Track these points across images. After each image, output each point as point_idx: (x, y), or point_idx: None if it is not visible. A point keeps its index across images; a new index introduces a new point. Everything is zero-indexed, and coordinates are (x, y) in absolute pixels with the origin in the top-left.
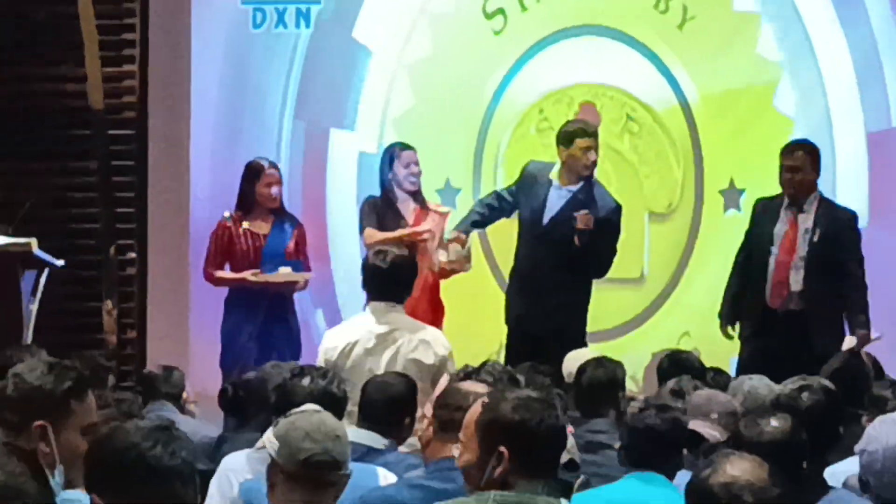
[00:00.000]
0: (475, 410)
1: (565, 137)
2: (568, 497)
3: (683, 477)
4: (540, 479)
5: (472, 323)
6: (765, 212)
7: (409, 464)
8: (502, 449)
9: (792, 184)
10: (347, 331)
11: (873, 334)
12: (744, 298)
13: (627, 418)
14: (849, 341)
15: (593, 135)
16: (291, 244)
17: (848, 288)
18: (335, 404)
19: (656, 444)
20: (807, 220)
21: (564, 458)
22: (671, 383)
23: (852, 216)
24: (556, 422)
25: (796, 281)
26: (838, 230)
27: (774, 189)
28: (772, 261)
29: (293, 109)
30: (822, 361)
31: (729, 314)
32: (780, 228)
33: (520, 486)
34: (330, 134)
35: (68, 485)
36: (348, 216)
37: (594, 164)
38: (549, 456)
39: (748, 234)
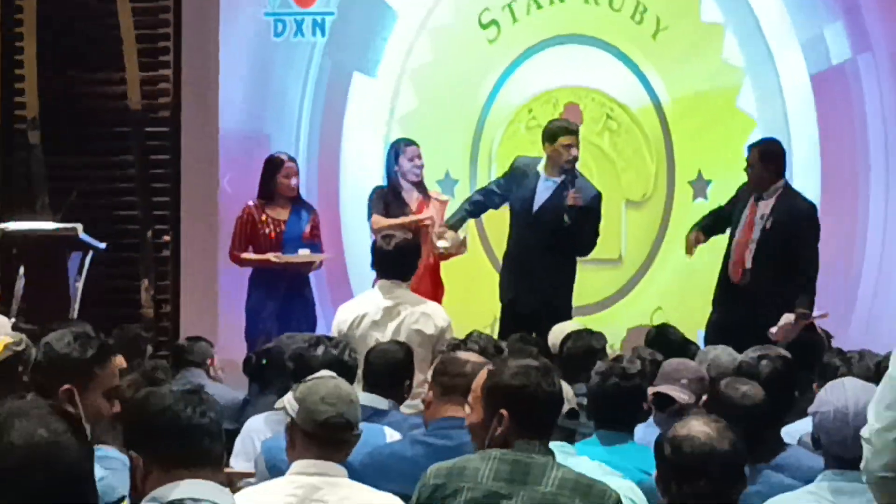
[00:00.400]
0: (482, 377)
1: (549, 135)
2: (571, 441)
3: (642, 431)
4: (536, 440)
5: (469, 299)
6: (740, 197)
7: (412, 423)
8: (503, 411)
9: (748, 177)
10: (358, 305)
11: (816, 312)
12: (709, 232)
13: (591, 385)
14: (785, 318)
15: (574, 132)
16: (308, 229)
17: (796, 272)
18: (347, 371)
19: (617, 406)
20: (765, 208)
21: (566, 408)
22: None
23: (811, 207)
24: (553, 388)
25: (747, 261)
26: (794, 220)
27: (739, 179)
28: (734, 241)
29: (310, 109)
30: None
31: (699, 236)
32: (744, 214)
33: (518, 446)
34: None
35: (94, 442)
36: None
37: (575, 158)
38: (546, 418)
39: (726, 204)
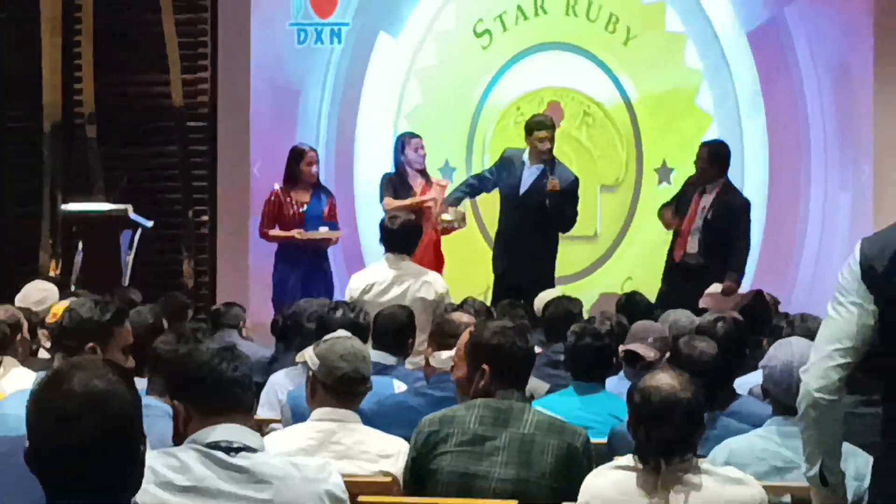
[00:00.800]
0: (464, 337)
1: (527, 129)
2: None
3: (614, 383)
4: (513, 389)
5: (466, 270)
6: (690, 185)
7: (415, 377)
8: (484, 366)
9: (696, 169)
10: (368, 274)
11: (743, 289)
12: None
13: (568, 343)
14: (713, 288)
15: (550, 127)
16: (326, 210)
17: (730, 254)
18: (361, 332)
19: (590, 361)
20: (707, 200)
21: None
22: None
23: (745, 203)
24: (526, 345)
25: (692, 244)
26: (730, 213)
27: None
28: (681, 227)
29: (328, 106)
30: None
31: (662, 214)
32: (690, 204)
33: (498, 395)
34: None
35: None
36: (372, 188)
37: (548, 150)
38: (521, 371)
39: (678, 194)
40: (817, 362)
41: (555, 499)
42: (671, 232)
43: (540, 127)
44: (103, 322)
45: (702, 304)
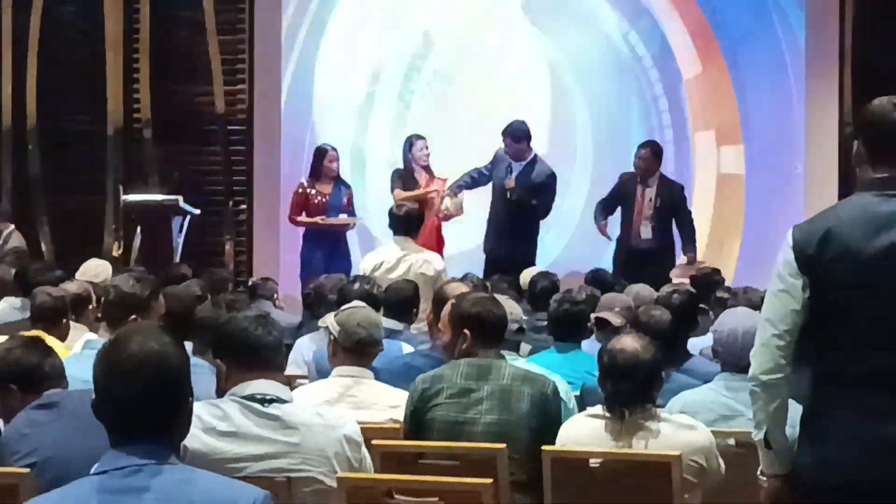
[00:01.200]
0: (447, 308)
1: (501, 134)
2: (517, 350)
3: (588, 344)
4: (491, 349)
5: (461, 250)
6: (626, 182)
7: (420, 340)
8: (465, 331)
9: (639, 169)
10: (378, 254)
11: (698, 260)
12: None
13: (549, 310)
14: (682, 260)
15: (523, 136)
16: (345, 200)
17: (682, 232)
18: (374, 302)
19: (568, 324)
20: (651, 192)
21: (514, 326)
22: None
23: (682, 187)
24: (500, 311)
25: (645, 232)
26: (673, 197)
27: None
28: (630, 219)
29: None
30: (663, 278)
31: (598, 217)
32: (635, 196)
33: (479, 355)
34: None
35: None
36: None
37: (519, 148)
38: (496, 334)
39: (613, 191)
40: (761, 349)
41: (533, 437)
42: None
43: (514, 135)
44: (143, 297)
45: (673, 275)
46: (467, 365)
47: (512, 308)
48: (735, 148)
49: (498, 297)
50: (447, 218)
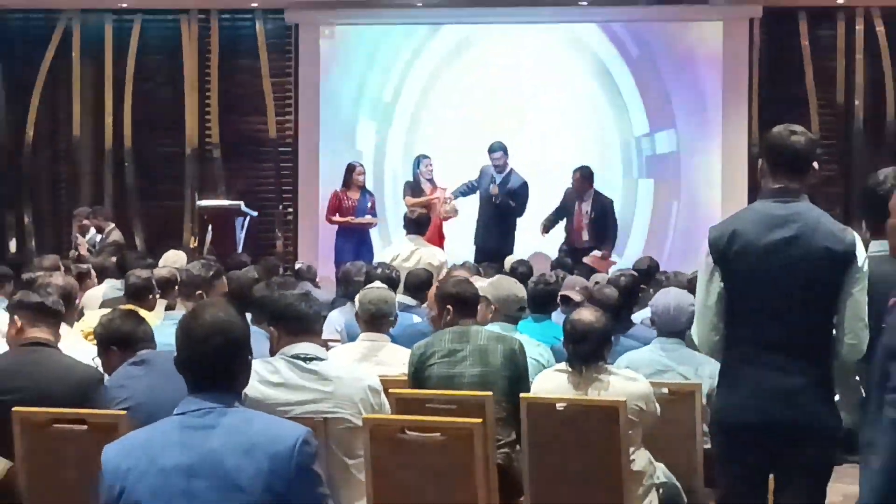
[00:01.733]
0: (432, 290)
1: (487, 150)
2: (515, 324)
3: (556, 315)
4: (469, 319)
5: (458, 243)
6: (569, 197)
7: (429, 314)
8: (448, 306)
9: (574, 189)
10: (394, 248)
11: (612, 258)
12: (553, 225)
13: (528, 288)
14: (593, 254)
15: (500, 149)
16: (369, 204)
17: (605, 233)
18: (392, 283)
19: (542, 300)
20: (587, 206)
21: (517, 306)
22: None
23: (611, 201)
24: (473, 290)
25: (585, 236)
26: (604, 210)
27: None
28: (573, 226)
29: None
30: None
31: (546, 227)
32: (575, 210)
33: (461, 324)
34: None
35: None
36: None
37: (502, 164)
38: (472, 308)
39: (559, 206)
40: (698, 330)
41: (507, 384)
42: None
43: (495, 149)
44: (207, 277)
45: (587, 261)
46: (451, 332)
47: (519, 291)
48: (675, 161)
49: (509, 279)
50: (446, 218)
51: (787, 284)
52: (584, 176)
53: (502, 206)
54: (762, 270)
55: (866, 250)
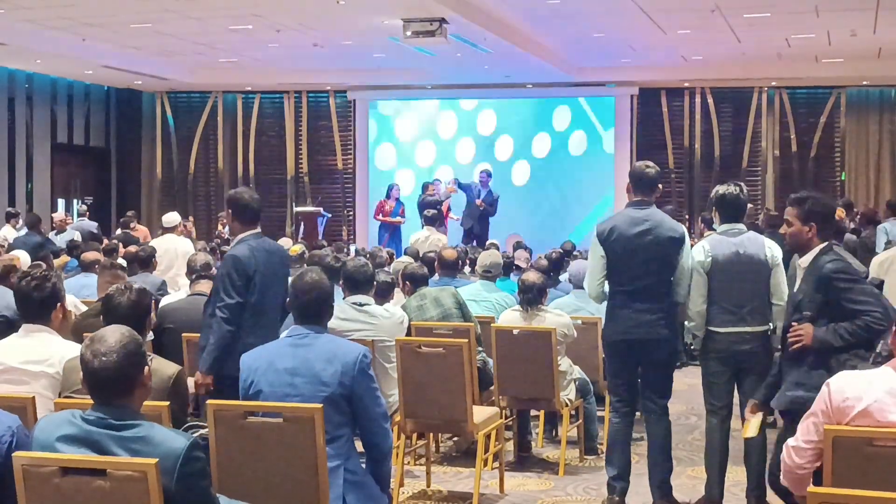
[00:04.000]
0: (401, 272)
1: (480, 171)
2: (493, 281)
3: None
4: (422, 286)
5: (454, 228)
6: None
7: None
8: (408, 283)
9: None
10: (418, 234)
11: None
12: None
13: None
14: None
15: (486, 174)
16: (401, 210)
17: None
18: (417, 257)
19: (507, 268)
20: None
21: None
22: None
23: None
24: (423, 272)
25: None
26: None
27: None
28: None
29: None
30: None
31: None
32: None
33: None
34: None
35: None
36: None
37: (485, 181)
38: (424, 280)
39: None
40: (590, 284)
41: (459, 317)
42: None
43: (482, 174)
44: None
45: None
46: (417, 295)
47: (498, 259)
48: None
49: (494, 252)
50: (450, 192)
51: (644, 258)
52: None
53: (484, 210)
54: (629, 249)
55: (715, 232)
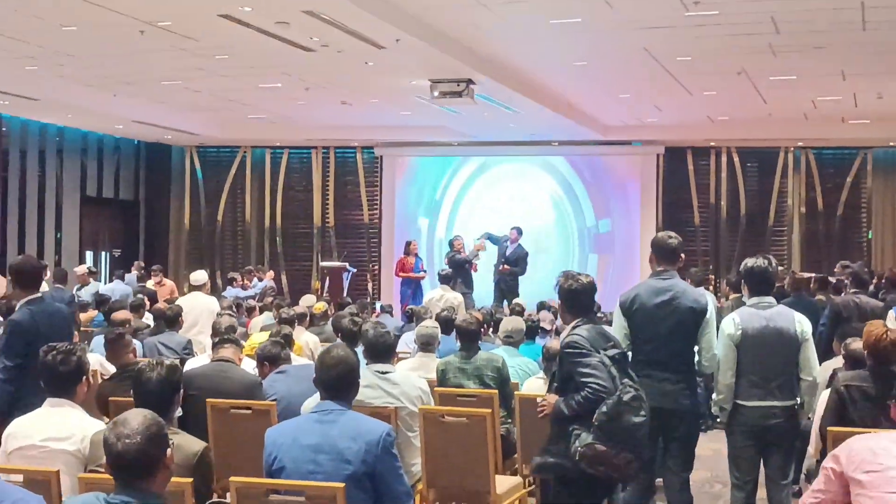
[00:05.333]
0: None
1: (511, 229)
2: (517, 347)
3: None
4: (472, 345)
5: (484, 282)
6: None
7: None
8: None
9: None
10: (432, 292)
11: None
12: None
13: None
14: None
15: (515, 228)
16: (421, 266)
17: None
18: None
19: (531, 331)
20: (508, 251)
21: (514, 338)
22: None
23: (525, 252)
24: (476, 327)
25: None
26: (520, 254)
27: None
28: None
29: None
30: None
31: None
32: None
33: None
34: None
35: None
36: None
37: (514, 238)
38: (474, 338)
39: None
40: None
41: (497, 388)
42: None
43: (513, 229)
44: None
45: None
46: (460, 355)
47: (519, 325)
48: (610, 240)
49: (516, 318)
50: (479, 248)
51: (666, 328)
52: (518, 231)
53: (511, 265)
54: (651, 319)
55: (744, 303)
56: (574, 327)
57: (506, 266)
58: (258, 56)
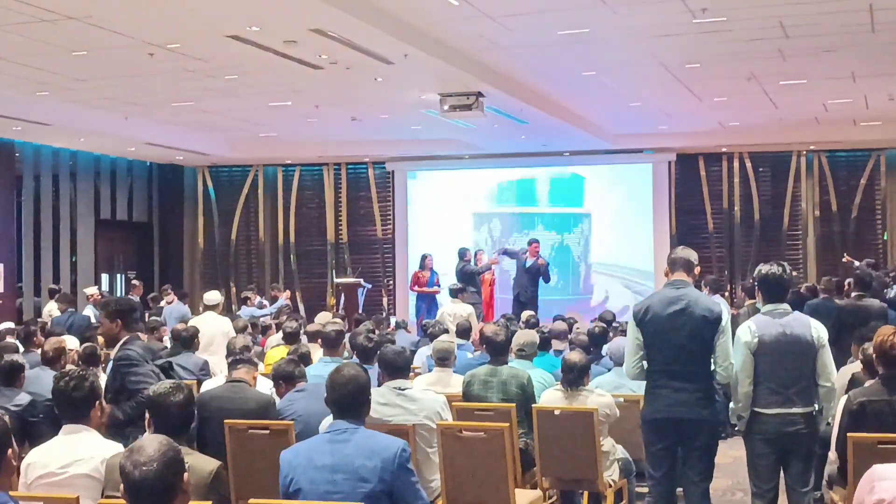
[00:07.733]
0: (474, 334)
1: (527, 242)
2: (531, 360)
3: (553, 352)
4: (500, 357)
5: (504, 294)
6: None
7: (470, 349)
8: (484, 345)
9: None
10: (445, 306)
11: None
12: None
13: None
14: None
15: (534, 241)
16: (436, 280)
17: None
18: (465, 333)
19: (544, 343)
20: (530, 262)
21: (525, 351)
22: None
23: (547, 264)
24: (504, 338)
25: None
26: (538, 266)
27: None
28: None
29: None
30: None
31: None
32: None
33: (490, 363)
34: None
35: None
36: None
37: (533, 251)
38: (502, 350)
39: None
40: (627, 365)
41: (519, 402)
42: None
43: (530, 242)
44: (340, 330)
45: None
46: (487, 368)
47: (532, 339)
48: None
49: (530, 332)
50: (493, 262)
51: (679, 338)
52: (533, 241)
53: (535, 276)
54: (664, 330)
55: (759, 311)
56: (125, 343)
57: (541, 260)
58: (267, 75)
